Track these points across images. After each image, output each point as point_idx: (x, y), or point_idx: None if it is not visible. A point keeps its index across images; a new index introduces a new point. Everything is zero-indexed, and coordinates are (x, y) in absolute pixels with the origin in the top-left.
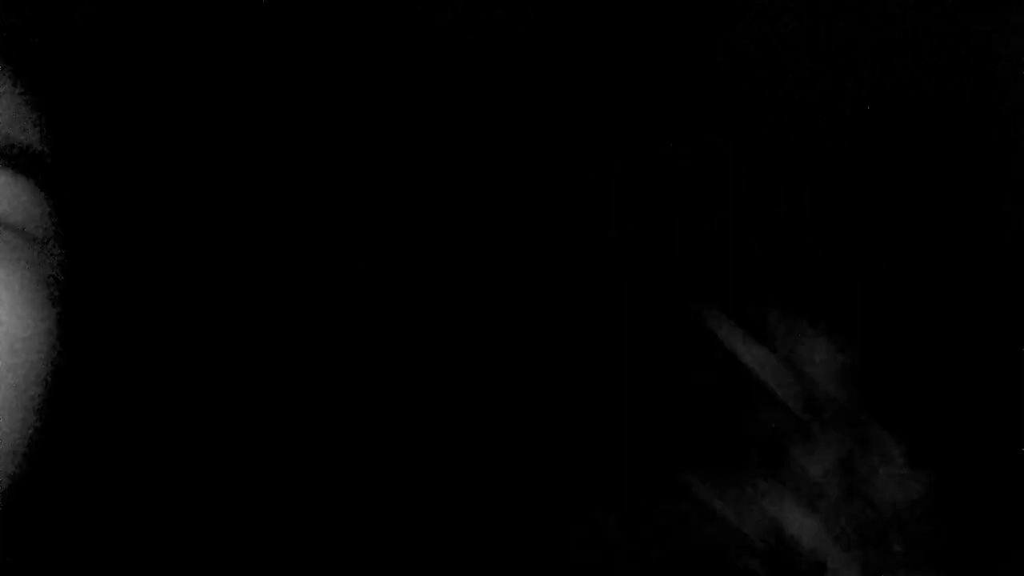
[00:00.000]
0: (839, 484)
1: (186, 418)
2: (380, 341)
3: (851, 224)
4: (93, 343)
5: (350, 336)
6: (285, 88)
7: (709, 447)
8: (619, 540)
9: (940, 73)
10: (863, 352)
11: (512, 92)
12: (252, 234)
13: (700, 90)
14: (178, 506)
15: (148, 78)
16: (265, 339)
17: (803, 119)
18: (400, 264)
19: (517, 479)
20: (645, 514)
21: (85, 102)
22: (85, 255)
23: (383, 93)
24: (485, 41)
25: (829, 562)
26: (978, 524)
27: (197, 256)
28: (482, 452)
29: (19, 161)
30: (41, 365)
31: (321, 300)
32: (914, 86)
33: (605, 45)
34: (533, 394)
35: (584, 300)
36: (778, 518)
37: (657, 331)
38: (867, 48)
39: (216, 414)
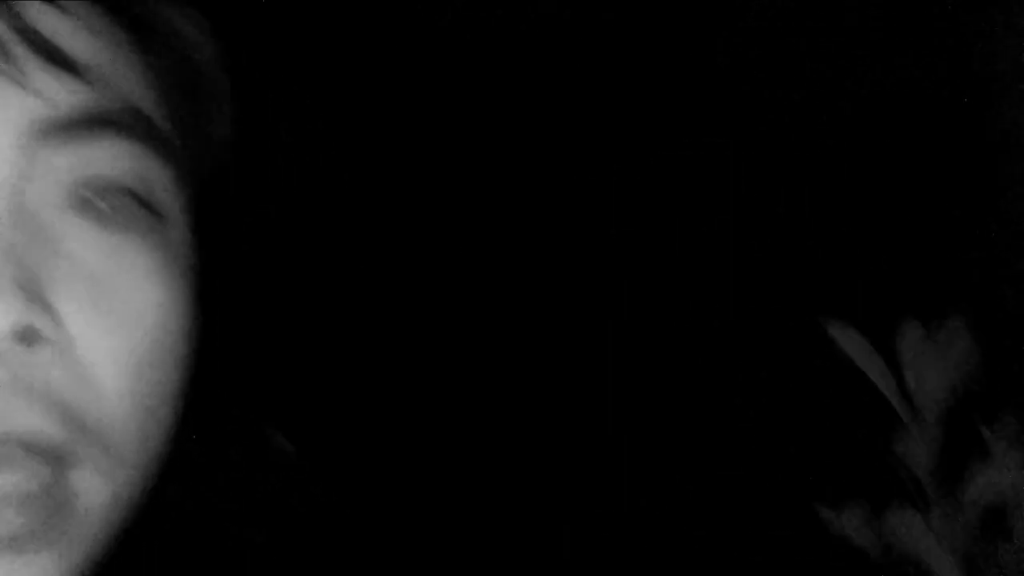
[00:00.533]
0: (945, 486)
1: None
2: (393, 343)
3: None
4: (217, 328)
5: (368, 338)
6: (285, 87)
7: (834, 468)
8: (742, 560)
9: (940, 73)
10: (972, 353)
11: (512, 92)
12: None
13: (700, 90)
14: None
15: None
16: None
17: (803, 119)
18: (400, 263)
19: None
20: (765, 536)
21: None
22: (210, 239)
23: (383, 92)
24: (485, 41)
25: (944, 574)
26: None
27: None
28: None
29: (142, 132)
30: (172, 343)
31: (323, 298)
32: (914, 86)
33: (605, 45)
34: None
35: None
36: (900, 537)
37: (775, 341)
38: (867, 48)
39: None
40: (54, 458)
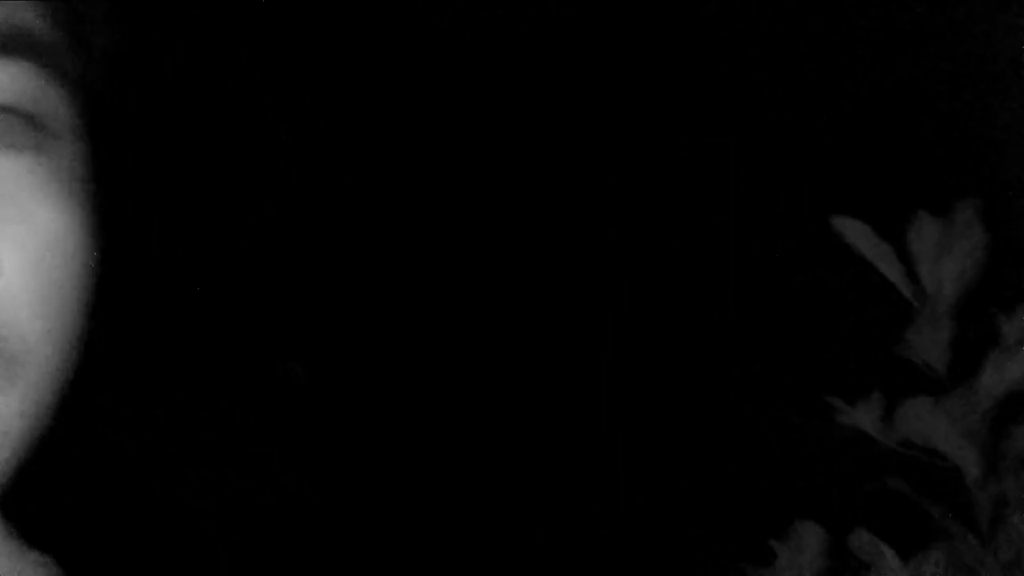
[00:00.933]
0: (960, 376)
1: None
2: (391, 342)
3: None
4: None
5: (354, 335)
6: (285, 87)
7: (849, 366)
8: (764, 455)
9: (940, 73)
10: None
11: (512, 92)
12: (251, 228)
13: (700, 90)
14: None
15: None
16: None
17: (803, 119)
18: (401, 263)
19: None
20: (790, 433)
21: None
22: (110, 161)
23: (383, 92)
24: (485, 41)
25: (961, 461)
26: None
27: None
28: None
29: (29, 50)
30: (73, 262)
31: (315, 296)
32: (914, 85)
33: (605, 45)
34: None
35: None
36: (915, 427)
37: (787, 239)
38: (867, 48)
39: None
40: None
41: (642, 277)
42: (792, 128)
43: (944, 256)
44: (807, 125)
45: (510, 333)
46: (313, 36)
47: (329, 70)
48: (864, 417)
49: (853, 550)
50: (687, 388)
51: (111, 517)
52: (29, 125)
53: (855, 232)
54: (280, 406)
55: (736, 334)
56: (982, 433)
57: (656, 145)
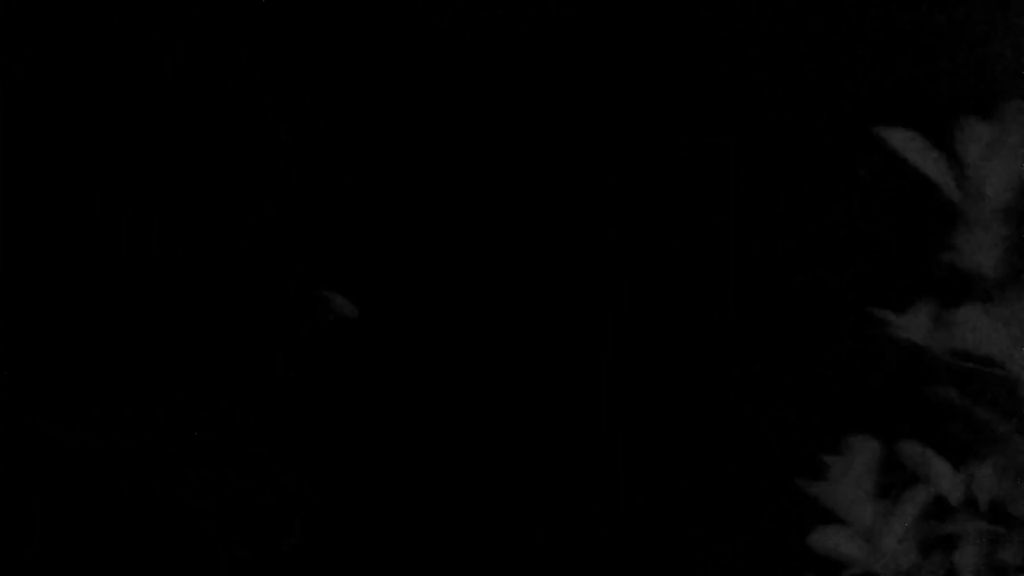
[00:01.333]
0: (1013, 280)
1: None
2: (387, 341)
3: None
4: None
5: (349, 332)
6: (284, 86)
7: (896, 275)
8: (815, 370)
9: (940, 73)
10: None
11: (512, 92)
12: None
13: (700, 90)
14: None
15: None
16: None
17: (803, 119)
18: (399, 263)
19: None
20: (840, 347)
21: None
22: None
23: (383, 92)
24: (485, 41)
25: (1015, 368)
26: None
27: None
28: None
29: None
30: None
31: (313, 295)
32: (914, 85)
33: (605, 46)
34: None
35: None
36: (967, 335)
37: (832, 151)
38: (867, 48)
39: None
40: None
41: (642, 277)
42: (790, 129)
43: (992, 158)
44: (806, 127)
45: (510, 333)
46: (313, 36)
47: (328, 70)
48: (913, 327)
49: (904, 461)
50: (739, 308)
51: (111, 517)
52: None
53: (902, 140)
54: (279, 406)
55: (781, 247)
56: None
57: (656, 145)
